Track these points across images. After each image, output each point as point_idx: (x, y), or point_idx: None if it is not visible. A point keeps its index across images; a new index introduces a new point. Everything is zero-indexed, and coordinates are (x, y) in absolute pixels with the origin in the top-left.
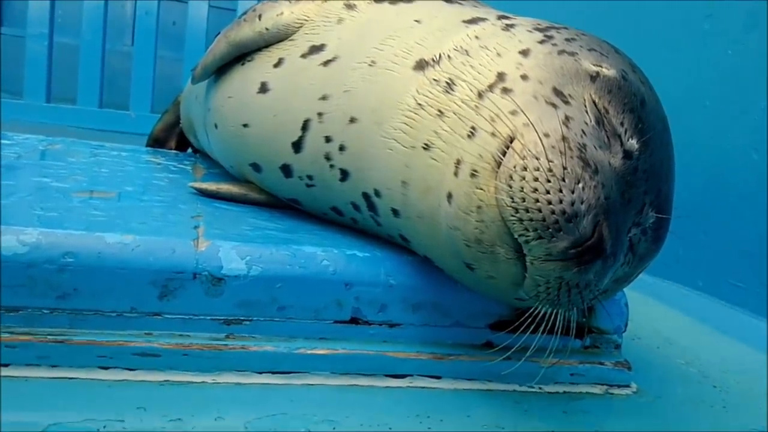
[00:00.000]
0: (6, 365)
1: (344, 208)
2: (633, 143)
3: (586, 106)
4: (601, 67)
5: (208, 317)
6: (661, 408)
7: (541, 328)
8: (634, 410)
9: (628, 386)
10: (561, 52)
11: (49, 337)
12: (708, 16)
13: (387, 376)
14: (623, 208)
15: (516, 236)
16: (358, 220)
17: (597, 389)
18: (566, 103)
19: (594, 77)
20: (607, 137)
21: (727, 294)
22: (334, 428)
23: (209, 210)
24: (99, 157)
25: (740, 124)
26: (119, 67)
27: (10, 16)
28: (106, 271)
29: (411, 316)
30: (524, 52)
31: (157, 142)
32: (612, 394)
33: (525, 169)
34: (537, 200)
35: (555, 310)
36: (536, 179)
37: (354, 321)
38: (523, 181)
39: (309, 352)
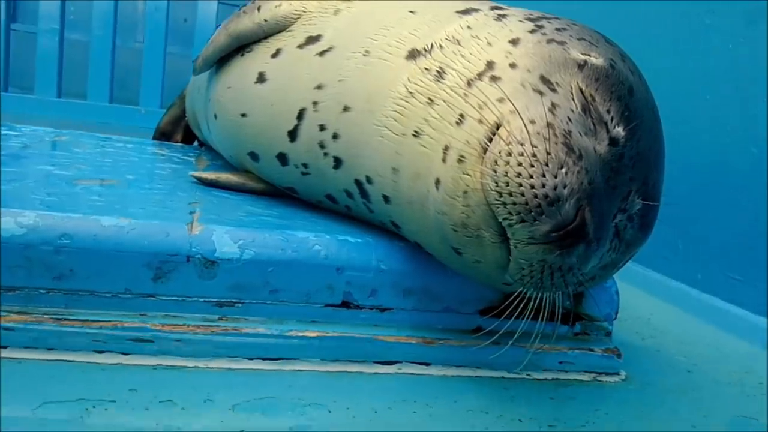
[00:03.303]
0: (4, 347)
1: (338, 196)
2: (619, 130)
3: (572, 94)
4: (590, 55)
5: (202, 299)
6: (649, 395)
7: (528, 313)
8: (621, 397)
9: (617, 374)
10: (550, 41)
11: (45, 316)
12: (709, 11)
13: (376, 362)
14: (608, 194)
15: (500, 220)
16: (352, 207)
17: (585, 376)
18: (553, 90)
19: (582, 66)
20: (593, 124)
21: (725, 288)
22: (321, 412)
23: (207, 198)
24: (104, 149)
25: (740, 118)
26: (130, 64)
27: (23, 13)
28: (101, 253)
29: (402, 300)
30: (514, 41)
31: (163, 135)
32: (600, 381)
33: (509, 154)
34: (520, 184)
35: (541, 294)
36: (520, 164)
37: (345, 305)
38: (508, 166)
39: (300, 334)
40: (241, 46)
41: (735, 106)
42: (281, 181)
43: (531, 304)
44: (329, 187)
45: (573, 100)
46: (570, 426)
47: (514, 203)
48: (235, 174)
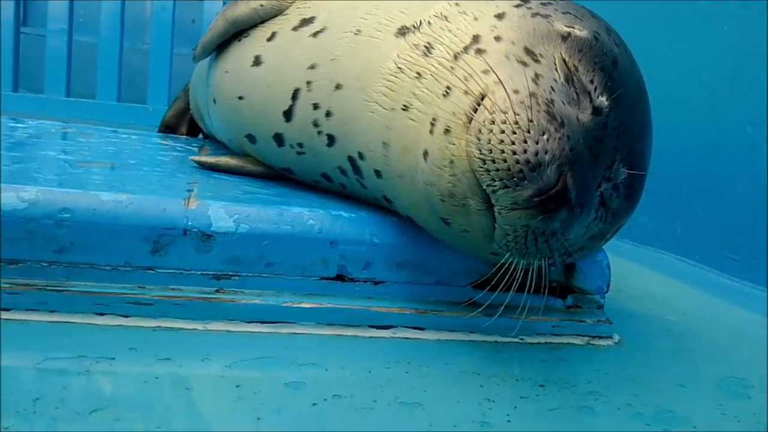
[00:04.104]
0: (7, 309)
1: (333, 174)
2: (603, 100)
3: (556, 65)
4: (574, 28)
5: (199, 272)
6: (641, 357)
7: (517, 285)
8: (613, 359)
9: (610, 337)
10: (535, 15)
11: (47, 288)
12: None
13: (372, 327)
14: (591, 162)
15: (484, 187)
16: (346, 185)
17: (579, 340)
18: (536, 61)
19: (565, 37)
20: (576, 94)
21: (724, 267)
22: (318, 370)
23: (206, 179)
24: (109, 138)
25: (736, 98)
26: (139, 65)
27: (33, 16)
28: (100, 227)
29: (395, 273)
30: (500, 16)
31: (168, 128)
32: (593, 344)
33: (493, 122)
34: (503, 151)
35: (527, 263)
36: (503, 131)
37: (339, 278)
38: (491, 134)
39: (296, 305)
40: (238, 32)
41: (731, 87)
42: (278, 163)
43: (520, 275)
44: (324, 166)
45: (556, 70)
46: (562, 385)
47: (497, 169)
48: (234, 157)
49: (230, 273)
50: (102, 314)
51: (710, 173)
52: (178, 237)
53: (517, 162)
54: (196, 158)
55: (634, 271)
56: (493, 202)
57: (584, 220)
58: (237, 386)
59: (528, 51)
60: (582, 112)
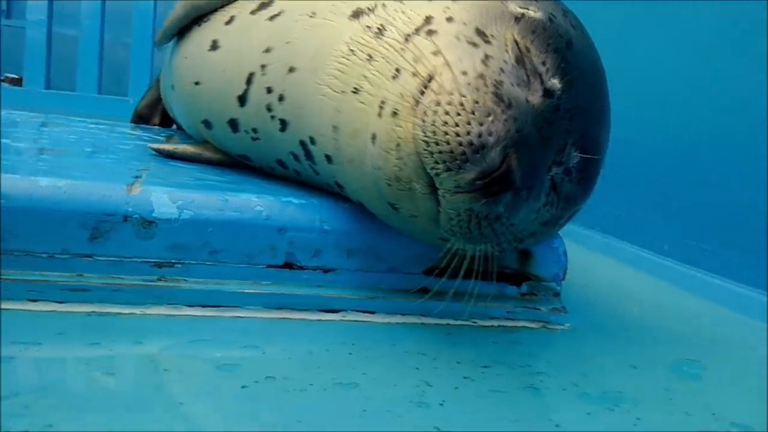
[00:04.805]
0: None
1: (287, 160)
2: (555, 82)
3: (507, 46)
4: (528, 9)
5: (140, 260)
6: (595, 341)
7: (475, 271)
8: (566, 342)
9: (566, 325)
10: None
11: None
12: None
13: (321, 310)
14: (540, 145)
15: (428, 170)
16: (300, 171)
17: (534, 324)
18: (487, 42)
19: (519, 18)
20: (527, 75)
21: (693, 257)
22: (254, 352)
23: (160, 166)
24: (73, 128)
25: (707, 88)
26: (123, 58)
27: (16, 9)
28: (37, 213)
29: (345, 261)
30: None
31: (140, 118)
32: (548, 328)
33: (438, 104)
34: (446, 132)
35: (474, 248)
36: (447, 113)
37: (288, 266)
38: (435, 116)
39: (241, 291)
40: (199, 17)
41: (701, 78)
42: (235, 149)
43: (478, 263)
44: (278, 151)
45: (507, 51)
46: (507, 368)
47: (440, 152)
48: (193, 145)
49: (173, 261)
50: (35, 300)
51: (682, 164)
52: (119, 223)
53: (460, 144)
54: (155, 146)
55: (600, 261)
56: (437, 185)
57: (532, 204)
58: (165, 369)
59: (479, 32)
60: (532, 94)
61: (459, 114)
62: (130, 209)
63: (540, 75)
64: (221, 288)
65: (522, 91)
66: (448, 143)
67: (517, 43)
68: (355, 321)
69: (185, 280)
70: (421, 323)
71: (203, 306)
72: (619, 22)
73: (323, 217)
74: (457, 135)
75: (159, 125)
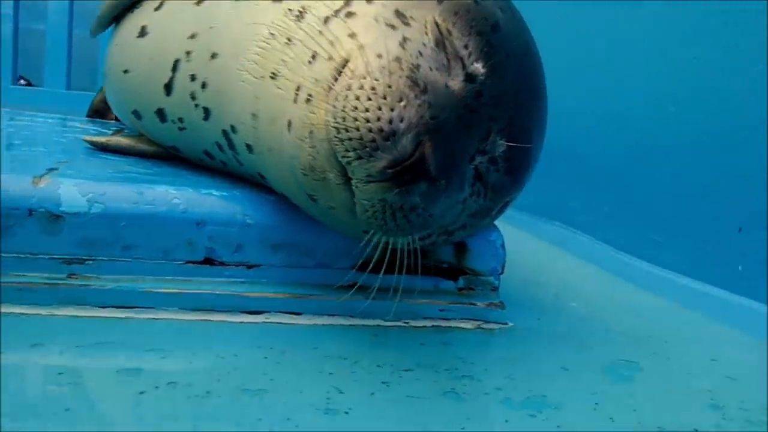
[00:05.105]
0: None
1: (213, 150)
2: (478, 67)
3: (427, 28)
4: None
5: (47, 256)
6: (531, 342)
7: (398, 266)
8: (499, 343)
9: (504, 324)
10: None
11: None
12: None
13: (243, 312)
14: (461, 133)
15: (340, 158)
16: (226, 162)
17: (468, 324)
18: (406, 24)
19: (441, 0)
20: (447, 59)
21: (647, 249)
22: (157, 356)
23: (87, 159)
24: (18, 122)
25: (657, 77)
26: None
27: None
28: None
29: (270, 256)
30: None
31: (96, 113)
32: (483, 329)
33: (349, 89)
34: (356, 119)
35: (394, 240)
36: (357, 98)
37: (208, 261)
38: (346, 101)
39: (157, 291)
40: (133, 3)
41: (654, 67)
42: (164, 140)
43: (419, 257)
44: (204, 142)
45: (427, 34)
46: (431, 371)
47: (350, 139)
48: (126, 137)
49: (83, 257)
50: None
51: (634, 154)
52: (23, 218)
53: (370, 130)
54: (88, 138)
55: (554, 254)
56: (349, 174)
57: (454, 195)
58: (60, 374)
59: (399, 14)
60: (452, 79)
61: (370, 99)
62: (36, 203)
63: (462, 59)
64: (136, 287)
65: (441, 76)
66: (357, 129)
67: (438, 25)
68: (279, 323)
69: (97, 277)
70: (349, 324)
71: (115, 307)
72: (575, 18)
73: (246, 210)
74: (367, 121)
75: (115, 119)
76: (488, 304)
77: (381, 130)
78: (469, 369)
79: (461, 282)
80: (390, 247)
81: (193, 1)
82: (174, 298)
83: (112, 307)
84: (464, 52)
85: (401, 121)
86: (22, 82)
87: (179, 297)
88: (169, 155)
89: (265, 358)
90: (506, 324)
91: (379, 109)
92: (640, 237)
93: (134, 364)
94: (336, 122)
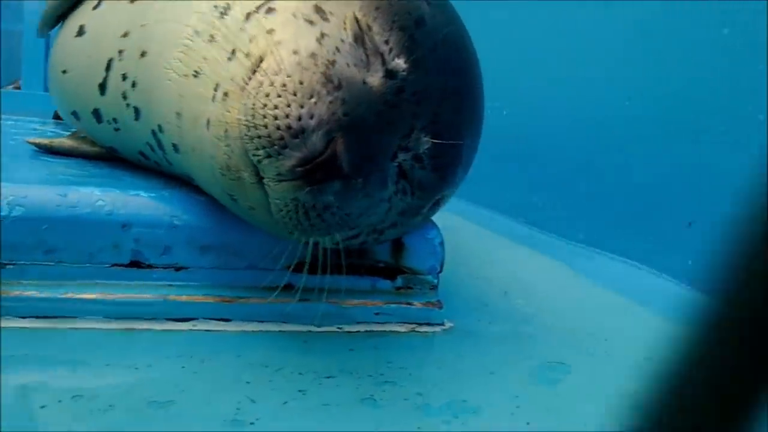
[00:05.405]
0: None
1: (146, 151)
2: (399, 62)
3: (345, 23)
4: None
5: None
6: (464, 344)
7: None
8: (431, 347)
9: (441, 324)
10: None
11: None
12: None
13: (169, 320)
14: (380, 129)
15: (251, 157)
16: (159, 162)
17: (403, 327)
18: (325, 20)
19: None
20: (366, 55)
21: (607, 244)
22: (67, 369)
23: (30, 162)
24: None
25: (616, 73)
26: None
27: None
28: None
29: (199, 258)
30: None
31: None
32: (418, 332)
33: (261, 85)
34: (264, 116)
35: (314, 239)
36: (267, 95)
37: (135, 264)
38: (256, 98)
39: (81, 296)
40: (76, 2)
41: (612, 63)
42: (103, 141)
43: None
44: (137, 142)
45: (345, 29)
46: (352, 377)
47: (259, 137)
48: (70, 138)
49: (4, 262)
50: None
51: (594, 149)
52: None
53: (278, 128)
54: (31, 140)
55: (509, 250)
56: (261, 173)
57: (374, 193)
58: None
59: (318, 9)
60: (371, 75)
61: (279, 96)
62: None
63: (382, 55)
64: (58, 294)
65: (358, 72)
66: (266, 127)
67: (358, 20)
68: (206, 330)
69: (19, 282)
70: (279, 330)
71: (36, 317)
72: (536, 15)
73: (174, 211)
74: (276, 118)
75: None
76: (426, 303)
77: (289, 127)
78: (394, 374)
79: (399, 281)
80: (321, 247)
81: None
82: (98, 306)
83: (32, 317)
84: (385, 48)
85: (311, 117)
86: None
87: (104, 304)
88: (112, 156)
89: (183, 368)
90: (443, 325)
91: (288, 106)
92: (599, 230)
93: (42, 377)
94: (246, 120)
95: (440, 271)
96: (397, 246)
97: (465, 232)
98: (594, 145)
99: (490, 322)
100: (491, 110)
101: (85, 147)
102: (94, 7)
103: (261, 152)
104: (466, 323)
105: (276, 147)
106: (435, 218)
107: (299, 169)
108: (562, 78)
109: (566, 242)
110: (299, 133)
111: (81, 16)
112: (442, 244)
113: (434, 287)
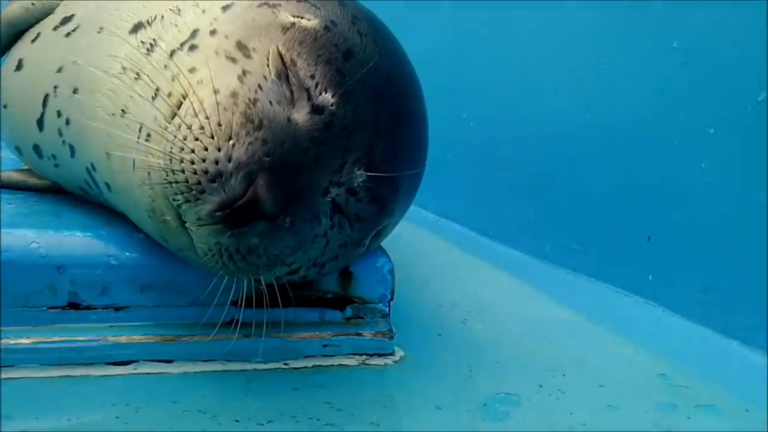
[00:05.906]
0: None
1: (85, 187)
2: (326, 97)
3: (268, 60)
4: (302, 18)
5: None
6: (414, 377)
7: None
8: (377, 381)
9: (391, 354)
10: (262, 5)
11: None
12: None
13: (109, 363)
14: (306, 167)
15: (171, 201)
16: (98, 199)
17: (353, 360)
18: (248, 56)
19: (287, 28)
20: (291, 91)
21: (566, 258)
22: None
23: None
24: None
25: (575, 84)
26: None
27: None
28: None
29: (139, 297)
30: (225, 7)
31: None
32: (368, 364)
33: (179, 128)
34: (182, 160)
35: (245, 279)
36: (185, 138)
37: (73, 306)
38: (173, 142)
39: (16, 342)
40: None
41: (571, 74)
42: (46, 176)
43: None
44: (76, 179)
45: (268, 66)
46: (292, 420)
47: (177, 182)
48: (18, 171)
49: None
50: None
51: (554, 161)
52: None
53: (195, 172)
54: None
55: (470, 267)
56: (183, 218)
57: (303, 230)
58: None
59: (240, 45)
60: (297, 112)
61: (197, 139)
62: None
63: (308, 90)
64: None
65: (282, 110)
66: (183, 172)
67: (281, 56)
68: (147, 373)
69: None
70: (224, 370)
71: None
72: (493, 24)
73: (111, 251)
74: (192, 162)
75: None
76: (376, 333)
77: (206, 171)
78: (335, 415)
79: (348, 311)
80: (263, 282)
81: (63, 32)
82: (35, 353)
83: None
84: (310, 83)
85: (229, 160)
86: None
87: (40, 350)
88: (60, 189)
89: (117, 417)
90: (394, 355)
91: (206, 149)
92: (560, 245)
93: None
94: (165, 165)
95: (391, 299)
96: (346, 275)
97: (429, 246)
98: (553, 157)
99: (443, 350)
100: (458, 121)
101: (33, 180)
102: (33, 41)
103: (180, 197)
104: (418, 352)
105: (194, 192)
106: (398, 233)
107: (218, 213)
108: (522, 89)
109: (531, 258)
110: (217, 176)
111: (20, 49)
112: (391, 271)
113: (385, 315)
